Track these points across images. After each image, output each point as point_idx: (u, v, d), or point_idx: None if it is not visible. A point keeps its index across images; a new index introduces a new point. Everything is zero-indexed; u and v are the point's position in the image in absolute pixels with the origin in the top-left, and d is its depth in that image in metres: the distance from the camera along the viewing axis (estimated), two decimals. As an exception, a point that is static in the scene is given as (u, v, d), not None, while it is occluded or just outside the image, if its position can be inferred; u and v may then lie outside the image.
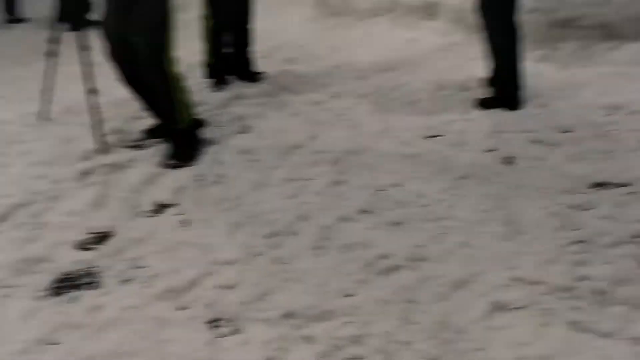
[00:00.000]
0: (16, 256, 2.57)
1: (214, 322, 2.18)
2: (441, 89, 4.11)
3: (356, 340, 2.02)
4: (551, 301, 2.11)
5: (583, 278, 2.20)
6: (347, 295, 2.25)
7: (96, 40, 3.36)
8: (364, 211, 2.77)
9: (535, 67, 3.99)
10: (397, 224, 2.66)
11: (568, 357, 1.88)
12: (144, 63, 3.16)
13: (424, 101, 3.96)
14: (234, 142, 3.53)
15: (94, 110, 3.45)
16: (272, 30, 5.29)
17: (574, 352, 1.89)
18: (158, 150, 3.44)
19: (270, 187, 3.03)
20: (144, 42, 3.11)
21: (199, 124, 3.59)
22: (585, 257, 2.32)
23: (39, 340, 2.12)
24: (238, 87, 4.35)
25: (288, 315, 2.17)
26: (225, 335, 2.12)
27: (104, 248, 2.65)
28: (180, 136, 3.36)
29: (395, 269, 2.36)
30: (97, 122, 3.47)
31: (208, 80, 4.36)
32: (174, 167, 3.25)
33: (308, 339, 2.06)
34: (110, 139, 3.56)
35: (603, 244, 2.38)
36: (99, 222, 2.84)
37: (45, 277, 2.45)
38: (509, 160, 3.12)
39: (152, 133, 3.58)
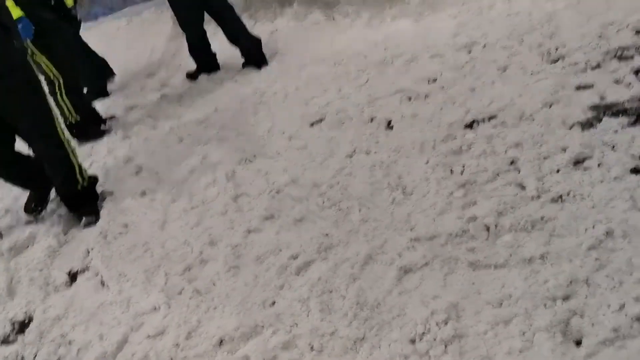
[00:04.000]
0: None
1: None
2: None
3: (287, 345, 2.12)
4: (449, 250, 2.28)
5: (472, 219, 2.37)
6: (270, 305, 2.34)
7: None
8: (267, 218, 2.85)
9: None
10: (299, 220, 2.75)
11: (474, 297, 2.05)
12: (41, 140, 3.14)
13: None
14: (129, 187, 3.52)
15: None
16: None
17: (477, 291, 2.06)
18: (54, 219, 3.39)
19: (174, 221, 3.06)
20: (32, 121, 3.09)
21: (94, 180, 3.56)
22: (470, 198, 2.50)
23: None
24: (115, 131, 4.29)
25: (220, 343, 2.24)
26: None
27: (27, 335, 2.63)
28: (84, 195, 3.34)
29: (307, 265, 2.47)
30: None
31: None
32: (87, 225, 3.25)
33: (244, 359, 2.14)
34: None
35: (483, 181, 2.57)
36: (16, 310, 2.80)
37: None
38: (389, 125, 3.27)
39: (36, 206, 3.49)
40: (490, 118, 2.99)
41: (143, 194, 3.41)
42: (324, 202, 2.83)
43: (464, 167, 2.71)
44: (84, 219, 3.29)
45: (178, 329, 2.36)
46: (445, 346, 1.89)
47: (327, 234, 2.61)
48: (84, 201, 3.36)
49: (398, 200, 2.65)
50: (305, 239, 2.62)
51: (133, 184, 3.55)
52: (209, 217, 3.01)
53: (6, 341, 2.64)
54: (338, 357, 2.01)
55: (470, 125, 3.00)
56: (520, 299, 1.95)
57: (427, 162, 2.82)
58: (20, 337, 2.63)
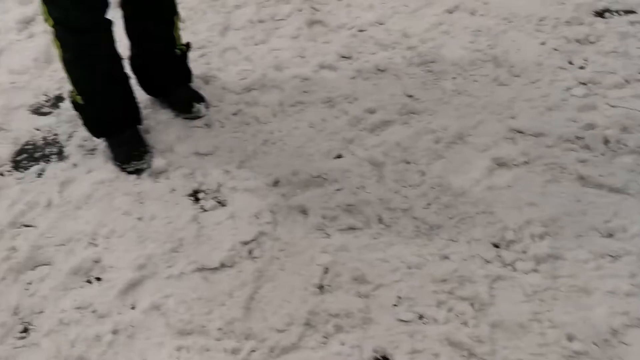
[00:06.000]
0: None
1: (195, 195, 2.01)
2: None
3: (350, 208, 1.89)
4: (557, 154, 1.98)
5: (589, 126, 2.04)
6: (335, 157, 2.08)
7: None
8: (344, 57, 2.49)
9: None
10: (382, 70, 2.40)
11: (578, 217, 1.78)
12: None
13: None
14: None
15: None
16: None
17: (583, 212, 1.80)
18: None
19: (236, 30, 2.68)
20: None
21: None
22: (590, 101, 2.15)
23: (10, 223, 1.95)
24: None
25: (276, 183, 2.00)
26: (210, 209, 1.96)
27: (63, 112, 2.36)
28: None
29: (385, 124, 2.17)
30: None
31: None
32: None
33: (300, 209, 1.92)
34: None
35: (608, 85, 2.20)
36: (52, 81, 2.51)
37: (5, 149, 2.22)
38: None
39: None
40: (628, 12, 2.53)
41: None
42: (412, 57, 2.46)
43: (587, 61, 2.32)
44: None
45: (227, 155, 2.11)
46: (537, 263, 1.67)
47: (411, 96, 2.28)
48: None
49: (502, 80, 2.29)
50: (386, 94, 2.29)
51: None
52: (277, 37, 2.63)
53: (40, 112, 2.39)
54: (407, 238, 1.79)
55: (601, 14, 2.55)
56: (637, 236, 1.69)
57: (544, 44, 2.42)
58: (54, 113, 2.37)
